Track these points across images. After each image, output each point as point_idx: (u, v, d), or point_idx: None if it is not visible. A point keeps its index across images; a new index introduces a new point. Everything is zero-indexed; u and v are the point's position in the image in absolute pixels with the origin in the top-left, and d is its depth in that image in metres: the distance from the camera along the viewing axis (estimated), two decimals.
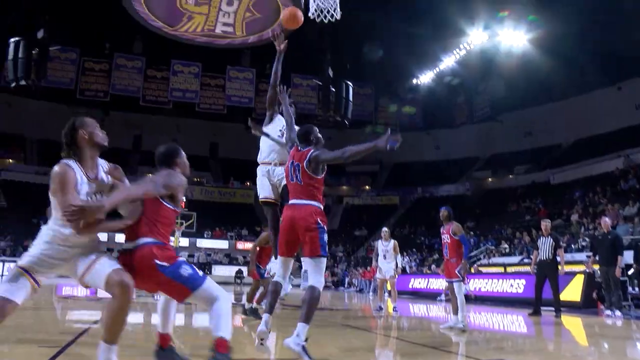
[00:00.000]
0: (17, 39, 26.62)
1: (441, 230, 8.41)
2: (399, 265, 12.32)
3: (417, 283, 22.02)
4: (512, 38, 27.56)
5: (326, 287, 31.24)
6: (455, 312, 7.75)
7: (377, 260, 11.83)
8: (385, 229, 12.03)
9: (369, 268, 27.79)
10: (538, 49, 27.53)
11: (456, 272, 7.90)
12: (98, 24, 30.42)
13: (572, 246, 20.23)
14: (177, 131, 39.23)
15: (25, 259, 3.34)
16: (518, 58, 28.35)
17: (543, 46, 27.32)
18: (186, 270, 3.46)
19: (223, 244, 37.63)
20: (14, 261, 15.93)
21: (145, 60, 33.94)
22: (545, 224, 11.13)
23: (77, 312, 9.83)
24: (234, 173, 42.30)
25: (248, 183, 43.29)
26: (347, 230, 40.93)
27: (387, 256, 11.46)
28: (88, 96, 34.28)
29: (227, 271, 33.33)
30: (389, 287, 12.40)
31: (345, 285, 30.01)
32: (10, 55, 26.75)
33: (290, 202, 4.67)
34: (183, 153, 3.94)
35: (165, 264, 3.43)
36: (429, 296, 19.64)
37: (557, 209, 27.52)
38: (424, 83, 35.86)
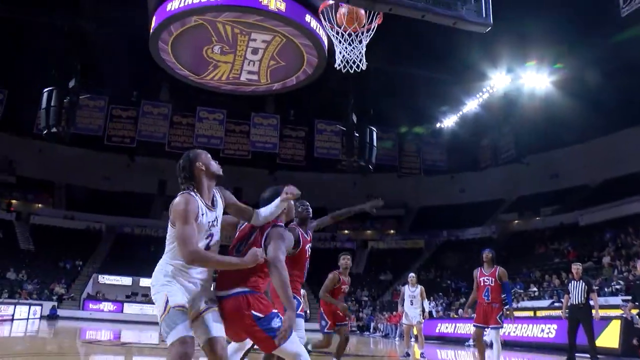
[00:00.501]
0: (50, 88, 27.39)
1: (479, 273, 8.17)
2: (426, 310, 12.18)
3: (444, 328, 21.62)
4: (536, 81, 27.59)
5: (352, 332, 30.87)
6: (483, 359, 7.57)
7: (403, 305, 11.69)
8: (412, 274, 11.95)
9: (394, 313, 27.41)
10: (561, 91, 27.49)
11: (497, 318, 7.71)
12: (126, 73, 31.24)
13: (605, 289, 19.71)
14: None
15: (176, 299, 3.31)
16: (542, 100, 28.31)
17: (566, 88, 27.28)
18: (277, 323, 3.47)
19: None
20: (40, 304, 16.19)
21: (171, 107, 34.54)
22: (577, 267, 10.86)
23: (100, 357, 9.80)
24: None
25: None
26: (372, 274, 40.52)
27: (414, 302, 11.34)
28: (115, 142, 34.87)
29: None
30: (415, 332, 12.24)
31: (371, 330, 29.52)
32: (44, 105, 27.47)
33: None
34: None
35: (260, 315, 3.46)
36: (457, 341, 19.24)
37: (587, 250, 26.98)
38: (448, 127, 35.91)
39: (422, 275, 34.69)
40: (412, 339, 12.66)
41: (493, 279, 7.88)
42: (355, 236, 45.42)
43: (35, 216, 40.09)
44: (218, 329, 3.39)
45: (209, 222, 3.51)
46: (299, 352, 3.52)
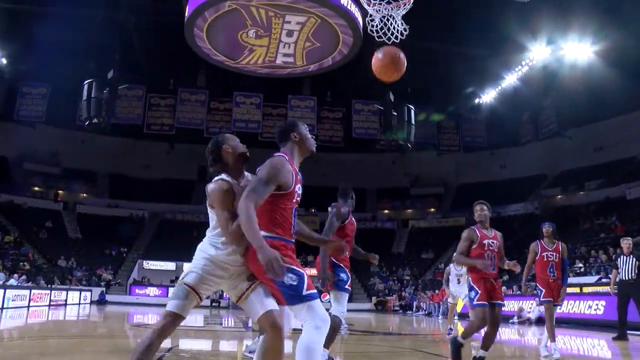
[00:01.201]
0: (89, 80, 27.95)
1: (540, 247, 7.67)
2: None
3: None
4: (577, 52, 26.84)
5: (394, 311, 30.96)
6: (553, 338, 7.27)
7: (448, 284, 11.57)
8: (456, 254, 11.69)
9: (437, 291, 27.35)
10: (605, 61, 26.68)
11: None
12: (163, 62, 31.62)
13: None
14: None
15: (190, 277, 3.45)
16: (584, 71, 27.52)
17: (610, 58, 26.45)
18: (291, 280, 3.24)
19: None
20: (90, 290, 16.73)
21: (208, 94, 34.85)
22: (628, 242, 10.61)
23: None
24: None
25: (313, 210, 43.53)
26: (413, 253, 40.41)
27: (460, 280, 11.06)
28: (154, 130, 35.44)
29: None
30: (458, 310, 12.17)
31: (414, 309, 29.55)
32: (84, 97, 28.09)
33: None
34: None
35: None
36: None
37: (636, 225, 26.32)
38: (487, 102, 35.34)
39: None
40: (455, 317, 12.59)
41: (557, 255, 7.52)
42: (395, 216, 45.27)
43: (81, 205, 41.22)
44: (269, 303, 3.43)
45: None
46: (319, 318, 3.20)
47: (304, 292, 3.21)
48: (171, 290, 24.22)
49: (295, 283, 3.22)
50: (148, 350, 3.34)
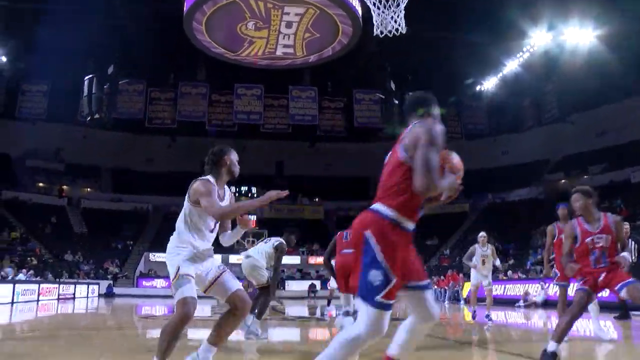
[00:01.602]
0: (90, 76, 28.11)
1: (557, 229, 7.67)
2: (499, 268, 11.61)
3: (494, 289, 21.67)
4: (578, 36, 26.82)
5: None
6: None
7: (471, 264, 11.03)
8: (482, 233, 11.25)
9: (442, 277, 27.55)
10: (607, 46, 26.64)
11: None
12: (162, 56, 31.70)
13: None
14: (243, 152, 39.83)
15: (184, 268, 3.91)
16: (585, 56, 27.49)
17: (612, 42, 26.42)
18: (375, 276, 2.84)
19: (295, 260, 37.99)
20: (97, 283, 16.99)
21: (209, 86, 34.96)
22: (625, 227, 10.74)
23: (158, 331, 10.24)
24: (302, 190, 42.82)
25: (317, 199, 43.74)
26: (418, 239, 40.25)
27: (486, 261, 10.84)
28: (156, 124, 35.59)
29: (300, 286, 34.17)
30: (464, 294, 12.17)
31: None
32: (85, 92, 28.27)
33: None
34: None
35: (374, 244, 2.86)
36: (507, 302, 19.31)
37: None
38: (488, 89, 35.36)
39: (469, 238, 34.63)
40: (462, 304, 12.62)
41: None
42: None
43: (85, 200, 41.47)
44: (236, 284, 4.02)
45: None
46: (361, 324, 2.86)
47: (378, 298, 2.82)
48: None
49: (377, 284, 2.84)
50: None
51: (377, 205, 3.02)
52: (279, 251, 8.02)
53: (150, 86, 34.60)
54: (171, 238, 4.10)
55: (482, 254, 10.88)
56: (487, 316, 10.37)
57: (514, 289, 19.43)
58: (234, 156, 4.18)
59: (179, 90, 34.77)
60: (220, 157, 4.11)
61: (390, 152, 3.27)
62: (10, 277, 22.71)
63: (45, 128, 37.22)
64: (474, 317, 11.11)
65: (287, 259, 37.57)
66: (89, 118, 29.11)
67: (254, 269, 7.80)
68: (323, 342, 8.13)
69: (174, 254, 3.99)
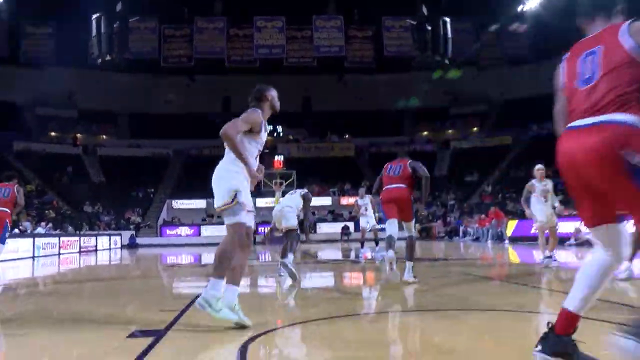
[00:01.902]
0: (97, 15, 27.91)
1: None
2: (557, 207, 10.90)
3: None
4: None
5: (440, 237, 31.24)
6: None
7: (528, 205, 10.71)
8: (540, 165, 10.71)
9: (483, 215, 27.47)
10: None
11: None
12: None
13: None
14: None
15: (242, 197, 4.36)
16: None
17: None
18: None
19: (326, 201, 38.03)
20: (119, 234, 17.46)
21: (226, 20, 34.59)
22: None
23: (184, 279, 10.45)
24: (330, 127, 42.65)
25: (347, 136, 43.58)
26: (456, 176, 40.27)
27: (547, 197, 10.33)
28: (172, 63, 35.52)
29: (332, 228, 34.17)
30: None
31: (460, 235, 29.77)
32: (93, 32, 28.15)
33: None
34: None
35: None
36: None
37: None
38: (531, 9, 34.19)
39: (512, 173, 34.30)
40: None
41: None
42: (435, 137, 44.96)
43: (102, 147, 41.96)
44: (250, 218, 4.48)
45: (263, 138, 4.58)
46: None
47: None
48: (203, 228, 25.23)
49: None
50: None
51: (618, 116, 2.49)
52: (306, 200, 9.05)
53: (163, 23, 34.35)
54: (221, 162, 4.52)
55: (543, 190, 10.38)
56: (552, 257, 9.84)
57: (565, 227, 19.26)
58: (274, 92, 4.75)
59: (195, 26, 34.50)
60: (262, 93, 4.66)
61: (602, 51, 2.79)
62: (29, 231, 23.27)
63: (54, 73, 37.29)
64: (549, 258, 9.90)
65: (317, 201, 37.83)
66: (99, 60, 29.11)
67: (284, 215, 8.76)
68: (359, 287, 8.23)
69: (232, 172, 4.39)
